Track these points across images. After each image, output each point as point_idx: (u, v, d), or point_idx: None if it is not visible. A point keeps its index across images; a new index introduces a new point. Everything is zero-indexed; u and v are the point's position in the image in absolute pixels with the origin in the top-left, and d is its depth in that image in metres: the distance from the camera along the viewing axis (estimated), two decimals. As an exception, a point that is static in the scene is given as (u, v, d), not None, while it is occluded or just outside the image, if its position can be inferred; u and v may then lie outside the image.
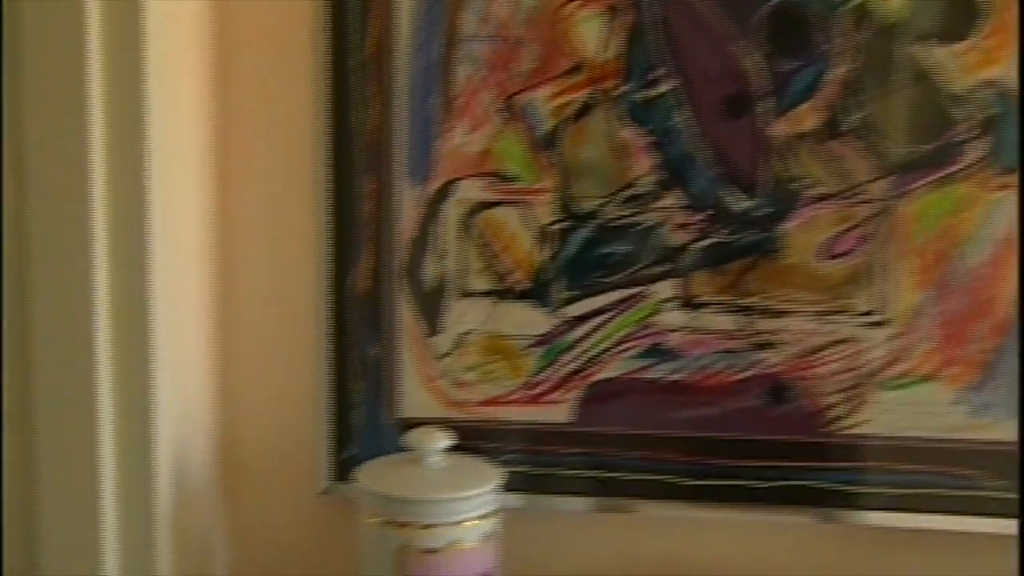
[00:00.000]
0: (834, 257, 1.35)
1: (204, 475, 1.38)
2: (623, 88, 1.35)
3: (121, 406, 1.21)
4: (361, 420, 1.40)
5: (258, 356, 1.42)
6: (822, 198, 1.34)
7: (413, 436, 1.26)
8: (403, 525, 1.20)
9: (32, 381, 1.19)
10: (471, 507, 1.21)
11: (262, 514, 1.45)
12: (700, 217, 1.36)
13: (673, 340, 1.38)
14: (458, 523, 1.19)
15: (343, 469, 1.40)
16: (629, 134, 1.36)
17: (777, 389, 1.38)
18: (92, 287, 1.16)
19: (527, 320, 1.36)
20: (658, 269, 1.37)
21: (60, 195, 1.14)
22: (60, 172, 1.13)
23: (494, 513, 1.23)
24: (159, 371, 1.21)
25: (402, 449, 1.26)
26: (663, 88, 1.35)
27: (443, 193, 1.39)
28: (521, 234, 1.38)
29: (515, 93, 1.37)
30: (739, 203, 1.35)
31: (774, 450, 1.38)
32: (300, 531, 1.44)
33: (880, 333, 1.35)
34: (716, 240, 1.36)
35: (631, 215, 1.37)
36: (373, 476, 1.24)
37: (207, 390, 1.39)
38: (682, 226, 1.36)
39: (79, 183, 1.13)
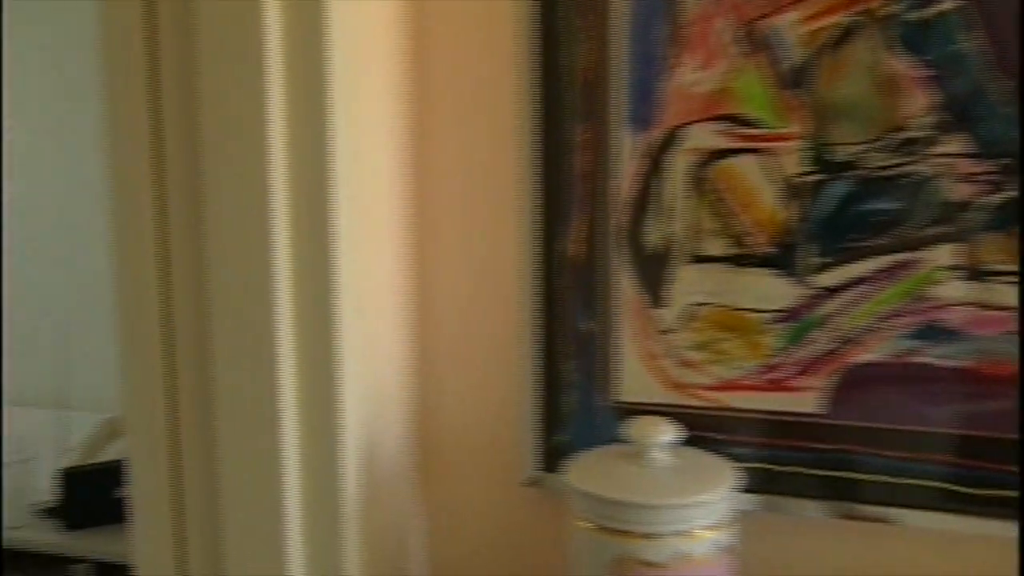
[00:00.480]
0: None
1: (397, 463, 1.31)
2: (893, 7, 1.11)
3: (305, 390, 1.17)
4: (572, 403, 1.28)
5: (457, 331, 1.33)
6: None
7: (634, 427, 1.08)
8: (621, 533, 1.04)
9: (211, 369, 1.18)
10: (702, 514, 1.06)
11: (461, 506, 1.36)
12: (991, 166, 1.10)
13: (953, 317, 1.13)
14: (686, 532, 1.04)
15: (551, 458, 1.29)
16: (900, 65, 1.11)
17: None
18: (272, 263, 1.13)
19: (769, 291, 1.19)
20: (935, 231, 1.13)
21: (240, 174, 1.12)
22: (240, 154, 1.11)
23: (729, 521, 1.03)
24: (346, 351, 1.16)
25: (619, 439, 1.13)
26: (946, 5, 1.09)
27: (669, 141, 1.20)
28: (763, 189, 1.17)
29: (757, 19, 1.15)
30: (1043, 148, 1.09)
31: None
32: (502, 525, 1.35)
33: None
34: (1011, 195, 1.10)
35: (901, 164, 1.13)
36: (586, 472, 1.08)
37: (400, 370, 1.32)
38: (967, 177, 1.11)
39: (259, 159, 1.11)
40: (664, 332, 1.24)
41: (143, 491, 1.25)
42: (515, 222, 1.26)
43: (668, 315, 1.24)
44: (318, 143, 1.11)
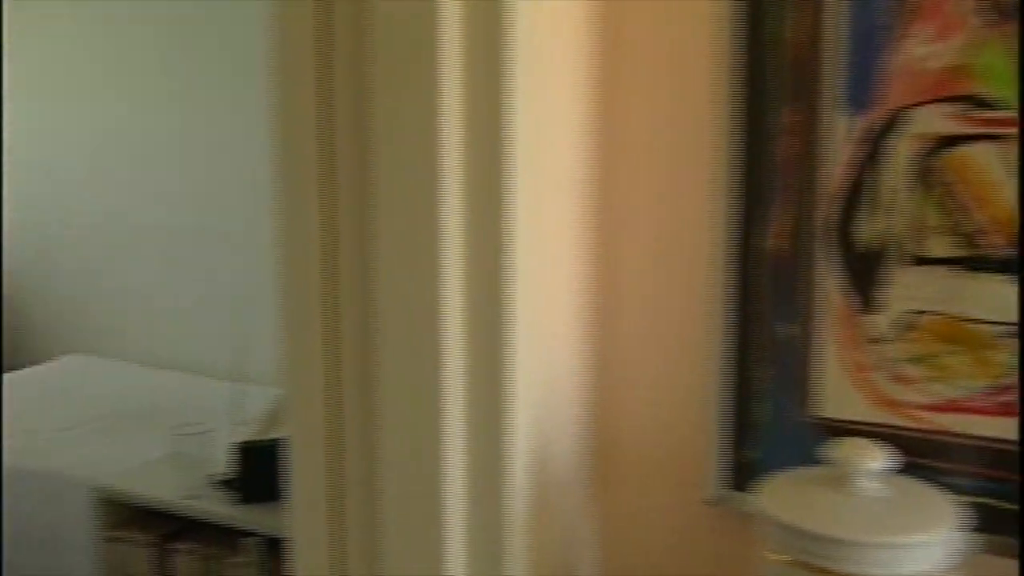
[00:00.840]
0: None
1: (569, 468, 1.24)
2: None
3: (472, 388, 1.11)
4: (765, 416, 1.18)
5: (640, 332, 1.25)
6: None
7: (839, 448, 0.97)
8: (821, 571, 0.91)
9: (375, 360, 1.14)
10: (917, 556, 0.94)
11: (635, 518, 1.28)
12: None
13: None
14: (899, 576, 0.89)
15: (739, 476, 1.19)
16: None
17: None
18: (441, 255, 1.08)
19: (1004, 300, 1.05)
20: None
21: (412, 168, 1.08)
22: (412, 148, 1.08)
23: (948, 566, 0.92)
24: (517, 348, 1.09)
25: (819, 461, 1.03)
26: None
27: (891, 124, 1.07)
28: (1003, 182, 1.02)
29: (1005, -17, 0.99)
30: None
31: None
32: (680, 543, 1.26)
33: None
34: None
35: None
36: (781, 496, 0.97)
37: (576, 371, 1.25)
38: None
39: (431, 152, 1.07)
40: (875, 341, 1.10)
41: (302, 478, 1.23)
42: (708, 214, 1.17)
43: (881, 322, 1.10)
44: (494, 140, 1.06)
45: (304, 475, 1.22)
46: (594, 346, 1.26)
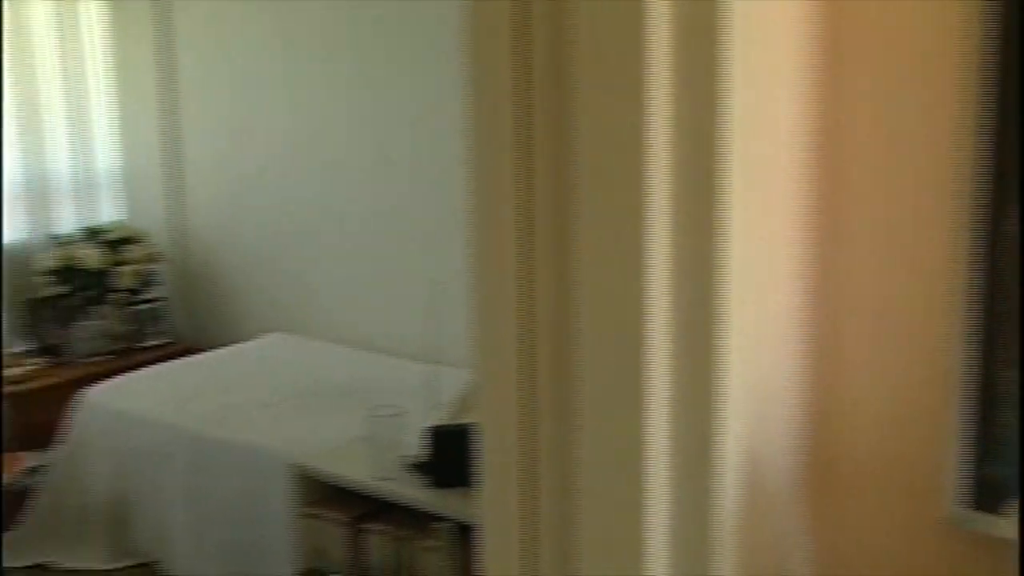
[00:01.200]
0: None
1: (783, 475, 1.18)
2: None
3: (678, 385, 1.06)
4: (1013, 427, 1.06)
5: (867, 330, 1.17)
6: None
7: None
8: None
9: (572, 354, 1.10)
10: None
11: (855, 532, 1.20)
12: None
13: None
14: None
15: (982, 493, 1.10)
16: None
17: None
18: (646, 247, 1.03)
19: None
20: None
21: (616, 163, 1.04)
22: (616, 144, 1.04)
23: None
24: (728, 346, 1.04)
25: None
26: None
27: None
28: None
29: None
30: None
31: None
32: (909, 566, 1.17)
33: None
34: None
35: None
36: None
37: (792, 372, 1.19)
38: None
39: (637, 148, 1.02)
40: None
41: (492, 467, 1.20)
42: (949, 200, 1.08)
43: None
44: (706, 137, 1.02)
45: (495, 464, 1.20)
46: (812, 349, 1.19)
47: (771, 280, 1.15)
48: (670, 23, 1.01)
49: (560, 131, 1.07)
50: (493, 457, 1.19)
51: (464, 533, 2.28)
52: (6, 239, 3.92)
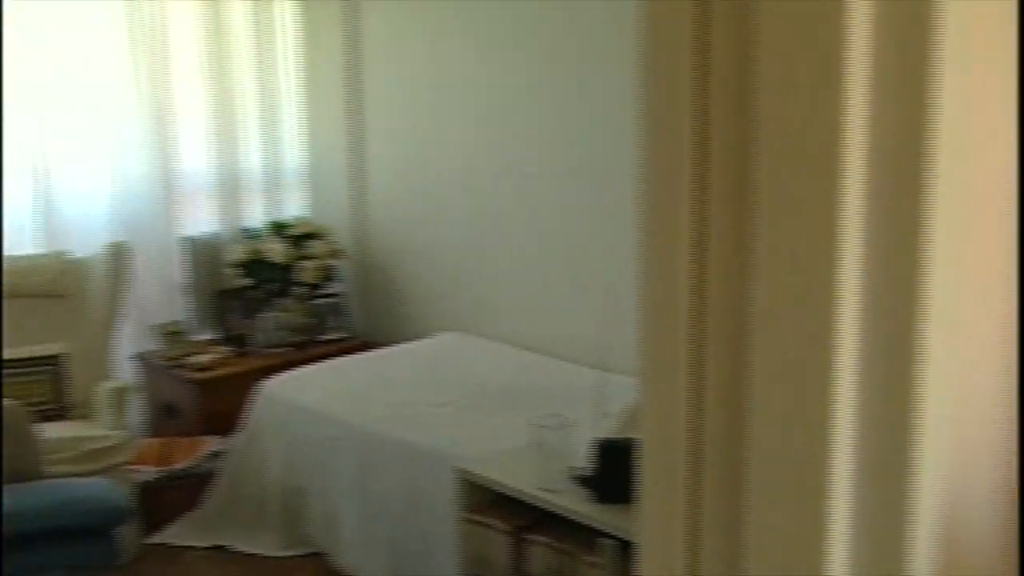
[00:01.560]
0: None
1: (988, 527, 1.05)
2: None
3: (868, 417, 0.97)
4: None
5: None
6: None
7: None
8: None
9: (745, 372, 1.03)
10: None
11: None
12: None
13: None
14: None
15: None
16: None
17: None
18: (837, 267, 0.96)
19: None
20: None
21: (807, 168, 0.97)
22: (808, 152, 0.97)
23: None
24: (928, 375, 0.95)
25: None
26: None
27: None
28: None
29: None
30: None
31: None
32: None
33: None
34: None
35: None
36: None
37: (1000, 403, 1.05)
38: None
39: (831, 154, 0.95)
40: None
41: (653, 488, 1.14)
42: None
43: None
44: (911, 144, 0.93)
45: (656, 485, 1.13)
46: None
47: (980, 303, 1.03)
48: (872, 21, 0.92)
49: (739, 137, 1.00)
50: (654, 477, 1.13)
51: (627, 551, 2.20)
52: (199, 231, 4.08)
